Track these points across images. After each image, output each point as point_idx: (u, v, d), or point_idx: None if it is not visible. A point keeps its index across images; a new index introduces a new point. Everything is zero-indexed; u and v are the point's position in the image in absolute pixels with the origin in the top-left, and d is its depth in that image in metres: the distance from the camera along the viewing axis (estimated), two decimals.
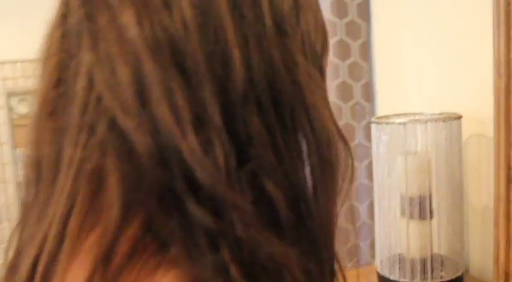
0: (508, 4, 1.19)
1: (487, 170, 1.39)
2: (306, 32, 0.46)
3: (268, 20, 0.43)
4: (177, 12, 0.40)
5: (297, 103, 0.44)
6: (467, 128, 1.39)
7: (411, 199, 1.34)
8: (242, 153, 0.41)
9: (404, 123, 1.29)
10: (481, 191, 1.43)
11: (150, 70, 0.38)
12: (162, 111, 0.38)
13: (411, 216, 1.35)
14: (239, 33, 0.42)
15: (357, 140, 1.91)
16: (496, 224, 1.29)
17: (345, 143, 0.48)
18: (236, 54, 0.41)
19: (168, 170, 0.38)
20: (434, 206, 1.36)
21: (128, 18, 0.39)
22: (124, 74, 0.38)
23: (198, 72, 0.39)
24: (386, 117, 1.43)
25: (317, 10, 0.49)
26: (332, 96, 1.87)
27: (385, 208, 1.44)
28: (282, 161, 0.43)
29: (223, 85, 0.40)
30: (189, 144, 0.38)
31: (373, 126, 1.39)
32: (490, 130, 1.31)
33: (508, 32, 1.19)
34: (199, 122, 0.39)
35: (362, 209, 1.96)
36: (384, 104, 1.87)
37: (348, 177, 0.48)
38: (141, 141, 0.37)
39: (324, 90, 0.48)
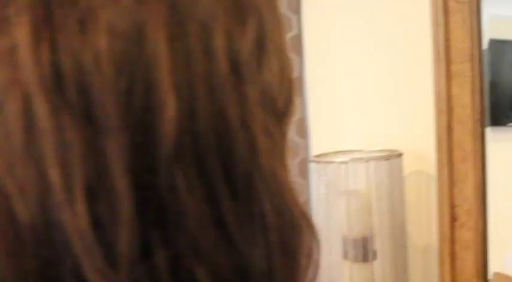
0: (447, 40, 1.18)
1: (428, 207, 1.35)
2: (268, 83, 0.36)
3: (222, 59, 0.32)
4: (91, 38, 0.29)
5: (255, 169, 0.34)
6: (407, 165, 1.36)
7: (354, 241, 1.28)
8: (165, 231, 0.30)
9: (346, 162, 1.24)
10: (422, 229, 1.40)
11: (42, 113, 0.27)
12: (51, 169, 0.27)
13: (354, 259, 1.29)
14: (179, 72, 0.31)
15: (292, 178, 1.84)
16: (441, 264, 1.25)
17: (310, 227, 0.39)
18: (169, 99, 0.30)
19: (54, 253, 0.27)
20: (377, 247, 1.31)
21: (21, 35, 0.28)
22: (12, 112, 0.27)
23: (108, 120, 0.29)
24: (325, 155, 1.38)
25: (284, 57, 0.40)
26: None
27: (326, 250, 1.37)
28: (228, 241, 0.33)
29: (144, 139, 0.29)
30: (75, 220, 0.27)
31: (313, 166, 1.32)
32: (430, 167, 1.28)
33: (448, 68, 1.17)
34: (97, 188, 0.28)
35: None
36: (318, 141, 1.82)
37: (311, 272, 0.39)
38: (21, 207, 0.27)
39: (284, 156, 0.39)
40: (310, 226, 0.38)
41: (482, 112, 1.14)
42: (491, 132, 3.80)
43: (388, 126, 1.47)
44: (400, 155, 1.31)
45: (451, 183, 1.18)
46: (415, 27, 1.33)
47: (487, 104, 1.17)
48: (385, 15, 1.46)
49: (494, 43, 3.65)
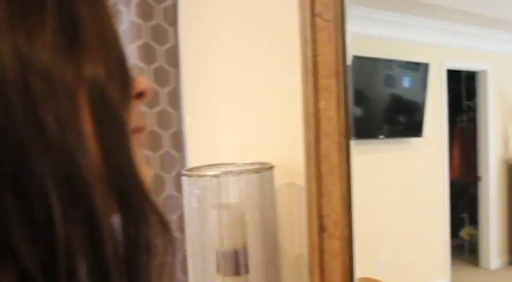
0: (315, 56, 1.21)
1: (299, 218, 1.38)
2: (92, 76, 0.34)
3: (9, 64, 0.31)
4: None
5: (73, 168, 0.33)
6: (279, 177, 1.38)
7: (225, 254, 1.27)
8: None
9: (217, 176, 1.23)
10: (294, 241, 1.42)
11: None
12: None
13: (226, 273, 1.28)
14: None
15: (167, 191, 1.80)
16: (311, 274, 1.28)
17: (166, 227, 0.38)
18: None
19: None
20: (249, 259, 1.31)
21: None
22: None
23: None
24: (198, 168, 1.36)
25: (113, 45, 0.38)
26: None
27: (199, 264, 1.34)
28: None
29: None
30: None
31: (184, 179, 1.30)
32: (300, 179, 1.31)
33: (315, 82, 1.21)
34: None
35: (176, 263, 1.84)
36: (195, 154, 1.80)
37: (167, 271, 0.38)
38: None
39: (130, 148, 0.37)
40: (162, 222, 0.37)
41: (347, 125, 1.19)
42: (364, 145, 3.98)
43: (261, 139, 1.48)
44: (271, 167, 1.32)
45: (319, 194, 1.21)
46: (285, 43, 1.36)
47: (351, 117, 1.22)
48: (257, 31, 1.48)
49: (361, 59, 3.82)
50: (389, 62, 3.92)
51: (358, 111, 4.01)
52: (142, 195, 0.37)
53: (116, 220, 0.35)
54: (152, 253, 0.37)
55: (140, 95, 0.41)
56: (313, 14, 1.20)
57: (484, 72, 4.70)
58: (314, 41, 1.20)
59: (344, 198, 1.20)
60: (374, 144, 4.00)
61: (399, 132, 4.11)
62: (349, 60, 1.19)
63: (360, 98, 4.03)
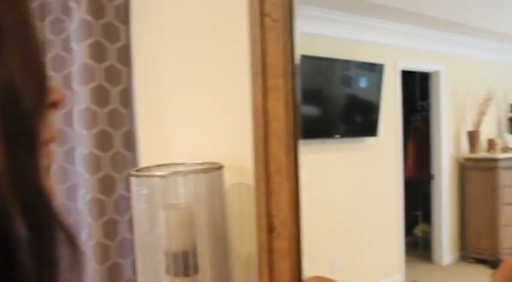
0: (264, 56, 1.21)
1: (249, 218, 1.38)
2: (7, 80, 0.33)
3: None
4: None
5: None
6: (229, 177, 1.38)
7: (174, 255, 1.26)
8: None
9: (165, 176, 1.22)
10: (245, 240, 1.42)
11: None
12: None
13: (176, 274, 1.27)
14: None
15: (118, 191, 1.77)
16: (260, 273, 1.28)
17: (73, 244, 0.37)
18: None
19: None
20: (199, 260, 1.30)
21: None
22: None
23: None
24: (147, 169, 1.35)
25: (32, 52, 0.37)
26: (90, 145, 1.72)
27: (148, 265, 1.33)
28: None
29: None
30: None
31: (133, 180, 1.28)
32: (249, 179, 1.31)
33: (264, 83, 1.21)
34: None
35: (126, 265, 1.82)
36: (146, 154, 1.78)
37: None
38: None
39: (37, 160, 0.36)
40: (69, 239, 0.36)
41: (295, 125, 1.19)
42: (320, 144, 4.02)
43: (211, 139, 1.48)
44: (220, 167, 1.31)
45: (268, 194, 1.22)
46: (235, 43, 1.35)
47: (299, 117, 1.22)
48: (208, 30, 1.48)
49: (319, 60, 3.85)
50: (346, 63, 3.96)
51: (315, 111, 4.04)
52: (49, 212, 0.36)
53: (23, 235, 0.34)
54: (57, 269, 0.36)
55: (54, 104, 0.40)
56: (262, 14, 1.20)
57: (437, 73, 4.82)
58: (263, 41, 1.20)
59: (292, 197, 1.20)
60: (330, 144, 4.04)
61: (355, 131, 4.17)
62: (297, 60, 1.19)
63: (317, 98, 4.07)
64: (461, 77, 4.91)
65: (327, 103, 3.93)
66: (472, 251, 4.72)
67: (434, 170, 4.91)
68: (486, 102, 4.88)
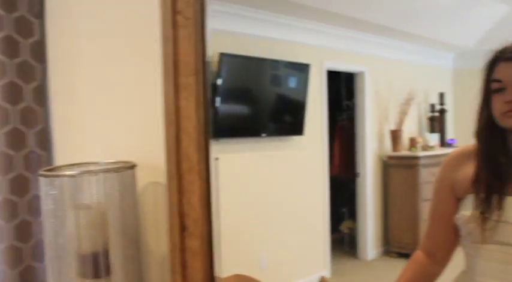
0: (176, 54, 1.21)
1: (164, 217, 1.37)
2: None
3: None
4: None
5: None
6: (144, 176, 1.36)
7: (85, 257, 1.23)
8: None
9: (74, 176, 1.19)
10: (160, 239, 1.41)
11: None
12: None
13: (87, 276, 1.24)
14: None
15: (32, 192, 1.71)
16: (173, 273, 1.27)
17: None
18: None
19: None
20: (111, 261, 1.28)
21: None
22: None
23: None
24: (59, 168, 1.31)
25: None
26: (1, 144, 1.65)
27: (58, 268, 1.29)
28: None
29: None
30: None
31: (41, 180, 1.24)
32: (162, 178, 1.30)
33: (176, 81, 1.20)
34: None
35: (41, 269, 1.76)
36: (62, 153, 1.73)
37: None
38: None
39: None
40: None
41: (206, 124, 1.19)
42: (248, 143, 4.03)
43: (125, 138, 1.46)
44: (133, 166, 1.30)
45: (180, 193, 1.21)
46: (148, 41, 1.34)
47: (211, 115, 1.22)
48: (121, 28, 1.45)
49: (249, 59, 3.86)
50: (276, 62, 4.02)
51: (243, 109, 4.06)
52: None
53: None
54: None
55: None
56: (174, 12, 1.20)
57: (361, 73, 4.95)
58: (175, 39, 1.20)
59: (204, 196, 1.20)
60: (257, 143, 4.08)
61: (282, 130, 4.23)
62: (208, 58, 1.19)
63: (246, 96, 4.09)
64: (384, 77, 5.07)
65: (256, 102, 3.97)
66: (394, 245, 4.90)
67: (359, 168, 5.05)
68: (408, 102, 5.06)
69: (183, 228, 1.23)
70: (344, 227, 5.64)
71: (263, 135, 3.94)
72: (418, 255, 1.42)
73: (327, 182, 4.52)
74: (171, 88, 1.20)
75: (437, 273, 1.40)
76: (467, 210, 1.27)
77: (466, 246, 1.32)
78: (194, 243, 1.22)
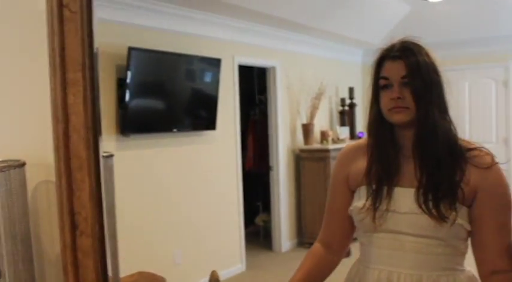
0: (63, 49, 1.17)
1: (55, 216, 1.33)
2: None
3: None
4: None
5: None
6: (34, 175, 1.32)
7: None
8: None
9: None
10: (54, 240, 1.37)
11: None
12: None
13: None
14: None
15: None
16: (66, 272, 1.24)
17: None
18: None
19: None
20: (2, 265, 1.23)
21: None
22: None
23: None
24: None
25: None
26: None
27: None
28: None
29: None
30: None
31: None
32: (53, 176, 1.26)
33: (63, 76, 1.17)
34: None
35: None
36: None
37: None
38: None
39: None
40: None
41: (94, 120, 1.17)
42: (159, 138, 4.00)
43: (13, 135, 1.40)
44: (22, 164, 1.25)
45: (70, 191, 1.18)
46: (35, 36, 1.30)
47: (99, 112, 1.20)
48: (7, 23, 1.40)
49: (164, 55, 3.84)
50: (188, 57, 4.00)
51: (156, 105, 4.01)
52: None
53: None
54: None
55: None
56: (60, 5, 1.16)
57: (273, 68, 5.06)
58: (61, 33, 1.16)
59: (94, 195, 1.18)
60: (169, 138, 4.05)
61: (194, 125, 4.23)
62: (95, 54, 1.17)
63: (158, 92, 4.04)
64: (295, 72, 5.20)
65: (168, 97, 3.95)
66: (308, 236, 5.07)
67: (272, 162, 5.15)
68: (319, 96, 5.24)
69: (74, 227, 1.20)
70: (259, 220, 5.75)
71: (174, 130, 3.94)
72: (316, 247, 1.47)
73: (240, 176, 4.60)
74: (58, 84, 1.17)
75: (334, 263, 1.46)
76: (359, 201, 1.33)
77: (360, 236, 1.38)
78: (86, 242, 1.20)
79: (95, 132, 1.18)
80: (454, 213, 1.23)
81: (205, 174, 3.97)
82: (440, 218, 1.22)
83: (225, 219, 4.24)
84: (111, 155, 1.45)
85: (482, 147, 1.30)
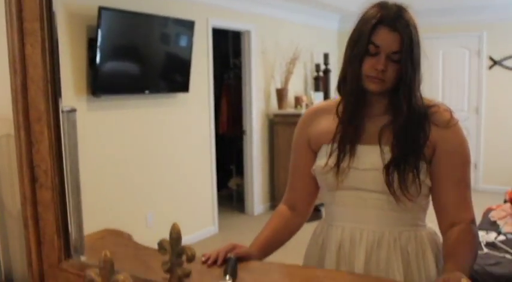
0: None
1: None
2: None
3: None
4: None
5: None
6: None
7: None
8: None
9: None
10: (15, 194, 1.36)
11: None
12: None
13: None
14: None
15: None
16: (26, 226, 1.24)
17: None
18: None
19: None
20: None
21: None
22: None
23: None
24: None
25: None
26: None
27: None
28: None
29: None
30: None
31: None
32: (12, 129, 1.25)
33: (20, 26, 1.14)
34: None
35: None
36: None
37: None
38: None
39: None
40: None
41: (54, 72, 1.15)
42: (131, 100, 3.95)
43: None
44: None
45: (29, 143, 1.17)
46: None
47: (59, 63, 1.18)
48: None
49: (130, 14, 3.75)
50: (161, 19, 3.93)
51: (128, 67, 3.96)
52: None
53: None
54: None
55: None
56: None
57: (248, 32, 5.01)
58: None
59: (53, 147, 1.17)
60: (141, 99, 4.02)
61: (166, 88, 4.19)
62: (54, 5, 1.14)
63: (130, 54, 3.98)
64: (270, 37, 5.16)
65: (141, 59, 3.90)
66: (280, 200, 5.06)
67: (246, 126, 5.16)
68: (293, 61, 5.21)
69: (33, 179, 1.19)
70: (232, 183, 5.79)
71: (146, 92, 3.90)
72: (281, 208, 1.49)
73: (213, 139, 4.60)
74: (15, 34, 1.14)
75: (298, 225, 1.47)
76: (321, 160, 1.34)
77: (324, 195, 1.40)
78: (46, 195, 1.19)
79: (55, 84, 1.16)
80: (417, 187, 1.24)
81: (177, 137, 3.96)
82: (405, 197, 1.24)
83: (197, 182, 4.25)
84: (74, 110, 1.42)
85: (442, 103, 1.31)
